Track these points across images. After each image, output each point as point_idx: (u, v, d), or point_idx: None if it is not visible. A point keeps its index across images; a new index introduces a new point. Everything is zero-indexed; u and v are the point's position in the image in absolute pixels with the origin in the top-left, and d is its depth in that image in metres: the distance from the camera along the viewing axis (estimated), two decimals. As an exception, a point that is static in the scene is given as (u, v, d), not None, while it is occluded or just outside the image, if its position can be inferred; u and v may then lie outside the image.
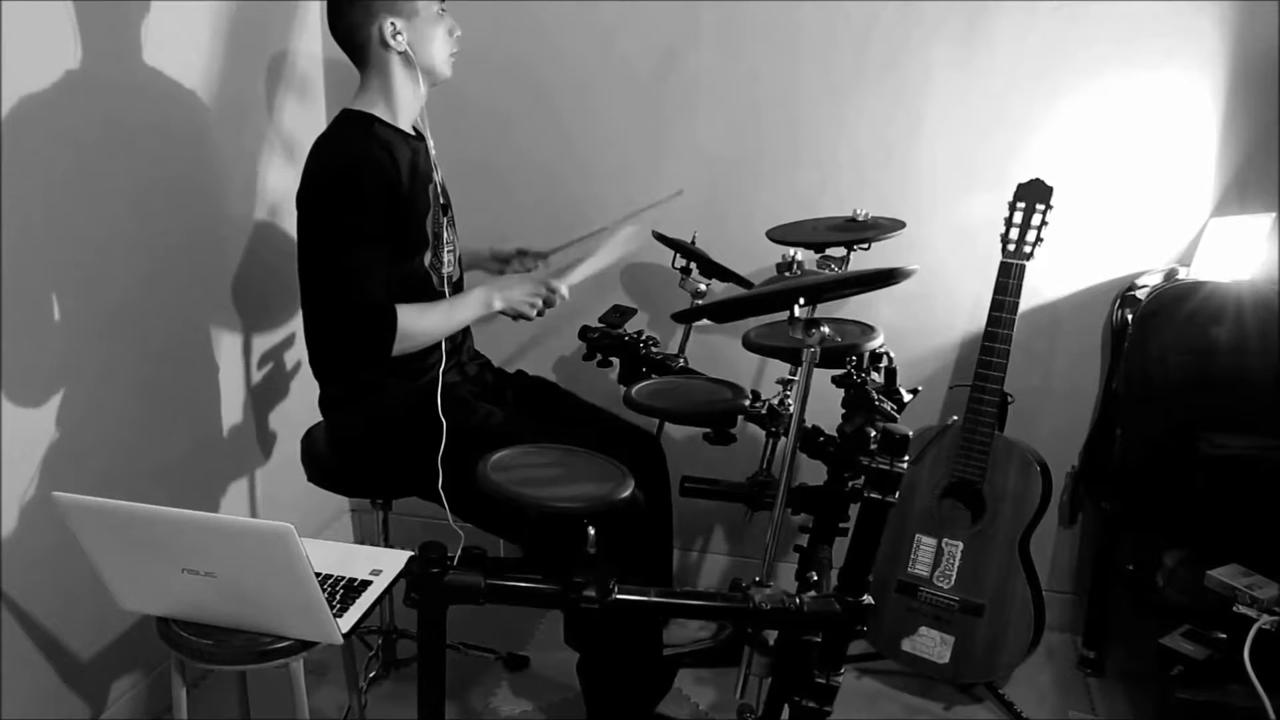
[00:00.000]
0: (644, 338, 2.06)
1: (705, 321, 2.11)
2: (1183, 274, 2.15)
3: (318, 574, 1.38)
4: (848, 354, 1.67)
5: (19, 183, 1.61)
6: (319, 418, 1.96)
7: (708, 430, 1.70)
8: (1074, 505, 2.40)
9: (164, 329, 2.00)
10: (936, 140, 2.24)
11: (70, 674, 1.85)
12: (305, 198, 1.76)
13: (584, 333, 2.11)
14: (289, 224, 2.35)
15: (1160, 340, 2.09)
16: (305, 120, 2.41)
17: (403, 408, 1.82)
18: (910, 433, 1.32)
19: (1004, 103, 2.18)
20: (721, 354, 2.41)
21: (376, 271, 1.73)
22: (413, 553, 1.30)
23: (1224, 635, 1.77)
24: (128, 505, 1.34)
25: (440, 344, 1.85)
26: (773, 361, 2.31)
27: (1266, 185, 2.11)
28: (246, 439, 2.34)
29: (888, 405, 1.46)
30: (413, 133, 1.88)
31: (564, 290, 1.89)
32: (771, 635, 1.54)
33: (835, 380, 1.64)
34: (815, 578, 1.56)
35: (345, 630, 1.47)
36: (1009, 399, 2.14)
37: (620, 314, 2.14)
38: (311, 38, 2.43)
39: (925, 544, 2.16)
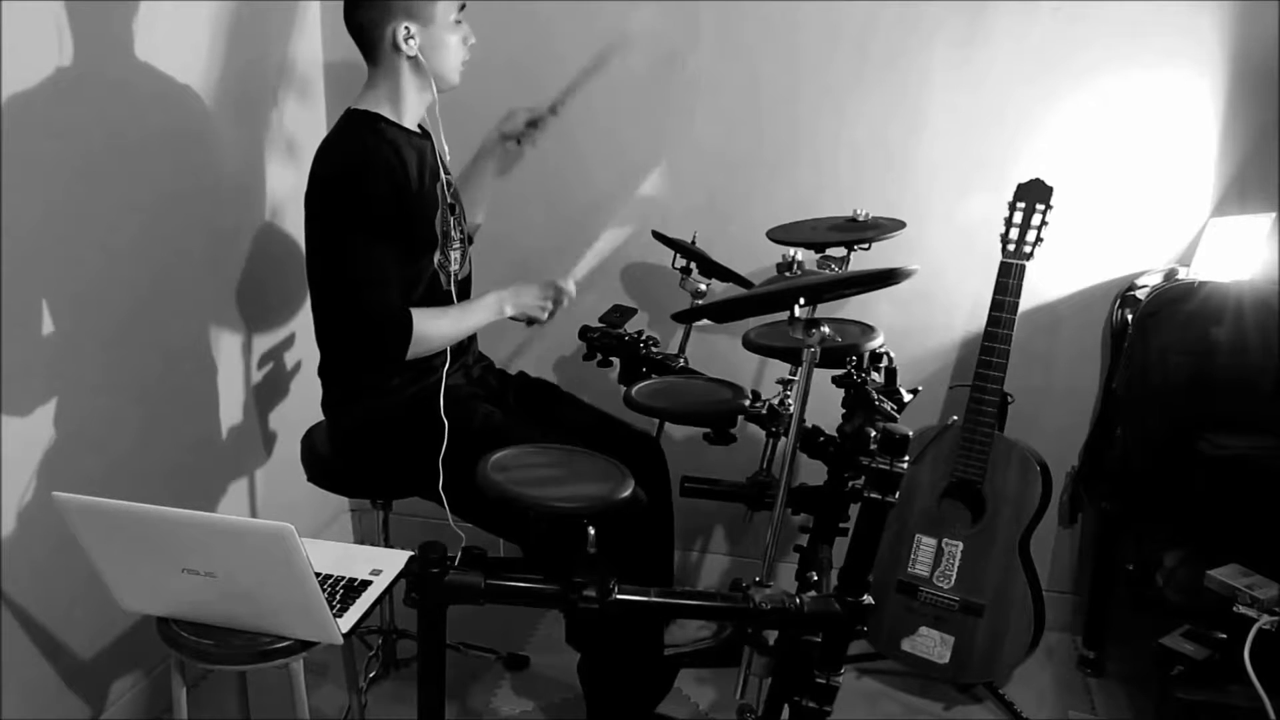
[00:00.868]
0: (644, 338, 2.06)
1: (705, 321, 2.11)
2: (1183, 274, 2.15)
3: (318, 574, 1.38)
4: (848, 354, 1.67)
5: (18, 183, 1.61)
6: (319, 418, 1.96)
7: (708, 430, 1.70)
8: (1074, 505, 2.40)
9: (164, 329, 2.00)
10: (936, 140, 2.24)
11: (70, 674, 1.85)
12: (314, 200, 1.75)
13: (584, 333, 2.11)
14: (289, 224, 2.35)
15: (1160, 340, 2.09)
16: (306, 120, 2.41)
17: (405, 409, 1.82)
18: (910, 433, 1.32)
19: (1004, 103, 2.18)
20: (721, 354, 2.41)
21: (390, 276, 1.73)
22: (413, 553, 1.30)
23: (1224, 635, 1.77)
24: (128, 505, 1.34)
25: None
26: (773, 361, 2.31)
27: (1266, 185, 2.11)
28: (246, 439, 2.34)
29: (888, 405, 1.46)
30: (419, 131, 1.88)
31: (571, 289, 1.92)
32: (771, 635, 1.54)
33: (835, 380, 1.64)
34: (815, 578, 1.56)
35: (345, 630, 1.47)
36: (1009, 399, 2.14)
37: (620, 314, 2.14)
38: (311, 38, 2.43)
39: (925, 544, 2.16)
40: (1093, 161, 2.18)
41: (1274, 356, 2.00)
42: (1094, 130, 2.16)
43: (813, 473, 1.85)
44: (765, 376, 2.44)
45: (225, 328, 2.20)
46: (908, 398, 1.57)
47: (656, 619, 1.95)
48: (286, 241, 2.37)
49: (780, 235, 2.04)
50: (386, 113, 1.80)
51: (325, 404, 1.93)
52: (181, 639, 1.46)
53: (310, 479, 1.98)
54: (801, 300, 1.42)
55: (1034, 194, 2.00)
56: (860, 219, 2.04)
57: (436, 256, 1.84)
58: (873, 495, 1.34)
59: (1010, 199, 2.02)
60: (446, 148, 1.86)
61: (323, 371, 1.90)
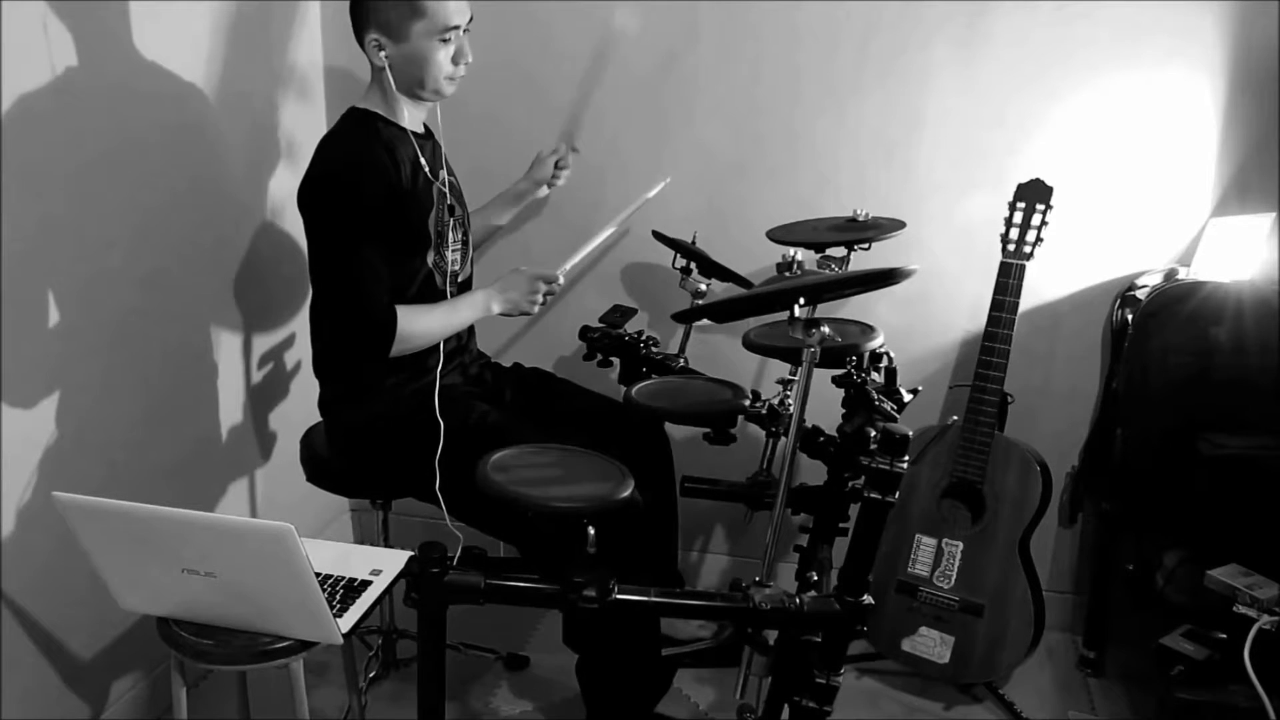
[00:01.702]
0: (644, 338, 2.07)
1: (705, 321, 2.11)
2: (1183, 274, 2.15)
3: (318, 574, 1.38)
4: (848, 354, 1.67)
5: (19, 183, 1.61)
6: (319, 418, 1.97)
7: (708, 430, 1.70)
8: (1074, 505, 2.40)
9: (164, 329, 2.00)
10: (936, 140, 2.24)
11: (70, 674, 1.85)
12: (305, 199, 1.76)
13: (584, 333, 2.11)
14: (289, 224, 2.35)
15: (1160, 340, 2.09)
16: (305, 120, 2.41)
17: (401, 408, 1.82)
18: (910, 433, 1.32)
19: (1004, 103, 2.18)
20: (721, 354, 2.41)
21: (377, 273, 1.73)
22: (413, 553, 1.30)
23: (1224, 635, 1.77)
24: (128, 505, 1.34)
25: (440, 345, 1.85)
26: (773, 361, 2.31)
27: (1266, 185, 2.10)
28: (246, 439, 2.34)
29: (888, 405, 1.46)
30: (421, 130, 1.88)
31: (561, 278, 1.93)
32: (771, 635, 1.54)
33: (835, 380, 1.64)
34: (815, 578, 1.56)
35: (345, 630, 1.47)
36: (1009, 399, 2.14)
37: (620, 314, 2.15)
38: (312, 38, 2.42)
39: (925, 544, 2.16)
40: (1093, 161, 2.18)
41: (1274, 356, 2.00)
42: (1094, 130, 2.16)
43: (813, 473, 1.85)
44: (765, 376, 2.43)
45: (225, 328, 2.20)
46: (908, 398, 1.57)
47: (653, 618, 1.95)
48: (286, 241, 2.37)
49: (780, 235, 2.04)
50: (384, 112, 1.81)
51: (322, 402, 1.93)
52: (181, 639, 1.46)
53: (310, 479, 1.98)
54: (801, 300, 1.42)
55: (1034, 194, 2.00)
56: (860, 219, 2.04)
57: (430, 256, 1.84)
58: (873, 495, 1.35)
59: (1010, 199, 2.02)
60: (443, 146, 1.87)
61: (316, 367, 1.91)
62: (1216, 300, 2.04)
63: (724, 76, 2.30)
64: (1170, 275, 2.16)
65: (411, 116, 1.84)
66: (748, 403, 1.72)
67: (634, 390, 1.74)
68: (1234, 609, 1.78)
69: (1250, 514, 1.94)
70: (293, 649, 1.46)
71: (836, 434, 1.55)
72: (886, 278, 1.48)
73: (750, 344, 1.80)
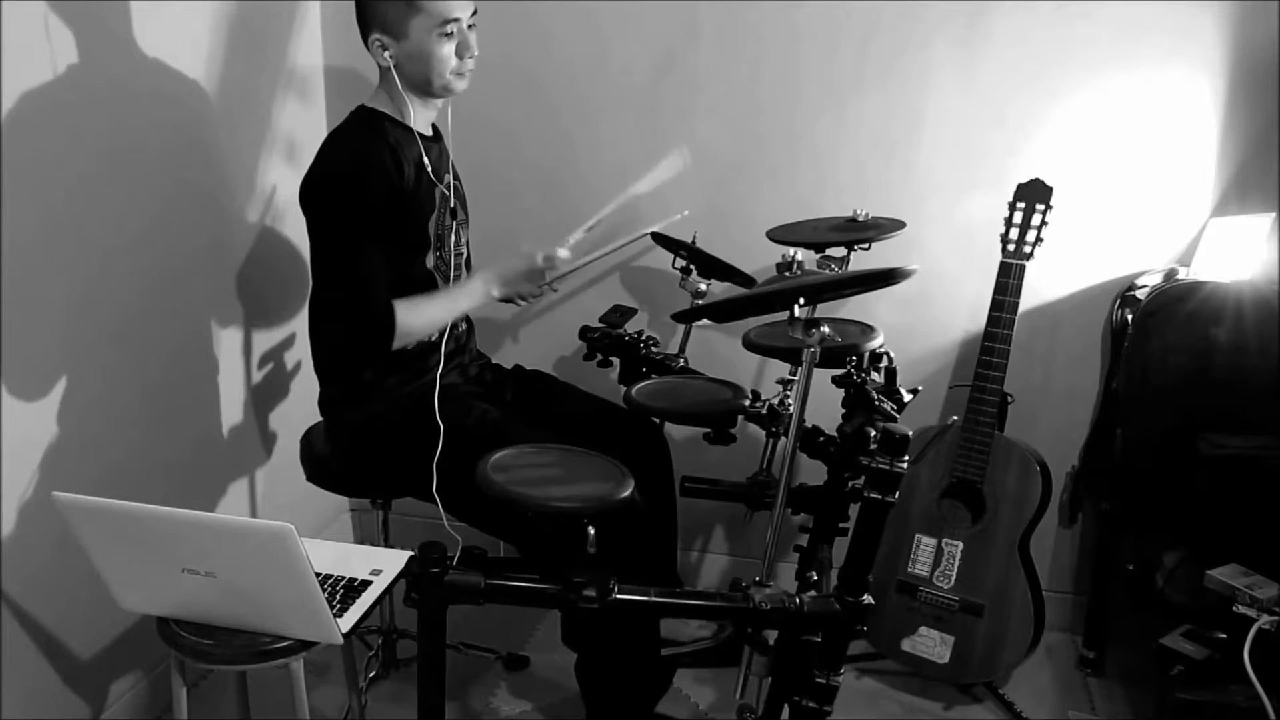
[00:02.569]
0: (644, 338, 2.07)
1: (705, 321, 2.11)
2: (1183, 274, 2.15)
3: (318, 574, 1.38)
4: (848, 354, 1.67)
5: (20, 183, 1.61)
6: (319, 418, 1.96)
7: (708, 430, 1.70)
8: (1074, 505, 2.40)
9: (164, 329, 2.00)
10: (936, 140, 2.24)
11: (70, 674, 1.85)
12: (308, 196, 1.76)
13: (584, 333, 2.11)
14: (290, 224, 2.35)
15: (1160, 340, 2.09)
16: (305, 120, 2.41)
17: (401, 408, 1.82)
18: (910, 433, 1.32)
19: (1004, 103, 2.18)
20: (721, 354, 2.41)
21: (376, 272, 1.73)
22: (413, 553, 1.30)
23: (1224, 635, 1.77)
24: (128, 505, 1.34)
25: (440, 345, 1.85)
26: (773, 361, 2.31)
27: (1266, 185, 2.10)
28: (246, 439, 2.34)
29: (888, 405, 1.46)
30: (429, 132, 1.88)
31: (564, 254, 1.90)
32: (771, 635, 1.54)
33: (835, 380, 1.64)
34: (815, 578, 1.56)
35: (345, 630, 1.47)
36: (1009, 399, 2.14)
37: (620, 314, 2.15)
38: (312, 38, 2.42)
39: (925, 544, 2.16)
40: (1093, 161, 2.18)
41: (1274, 356, 2.00)
42: (1094, 130, 2.16)
43: (813, 473, 1.85)
44: (765, 376, 2.43)
45: (225, 328, 2.20)
46: (908, 398, 1.57)
47: (653, 618, 1.96)
48: (286, 242, 2.37)
49: (780, 235, 2.04)
50: (391, 112, 1.81)
51: (322, 402, 1.93)
52: (181, 639, 1.46)
53: (310, 479, 1.98)
54: (801, 300, 1.42)
55: (1034, 194, 2.00)
56: (860, 219, 2.04)
57: (430, 258, 1.84)
58: (873, 495, 1.35)
59: (1010, 199, 2.02)
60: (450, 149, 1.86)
61: (316, 367, 1.91)
62: (1216, 300, 2.04)
63: (724, 76, 2.30)
64: (1170, 275, 2.16)
65: (420, 117, 1.84)
66: (748, 403, 1.72)
67: (634, 390, 1.74)
68: (1234, 609, 1.78)
69: (1250, 514, 1.94)
70: (293, 649, 1.46)
71: (836, 434, 1.55)
72: (886, 278, 1.48)
73: (750, 344, 1.80)
